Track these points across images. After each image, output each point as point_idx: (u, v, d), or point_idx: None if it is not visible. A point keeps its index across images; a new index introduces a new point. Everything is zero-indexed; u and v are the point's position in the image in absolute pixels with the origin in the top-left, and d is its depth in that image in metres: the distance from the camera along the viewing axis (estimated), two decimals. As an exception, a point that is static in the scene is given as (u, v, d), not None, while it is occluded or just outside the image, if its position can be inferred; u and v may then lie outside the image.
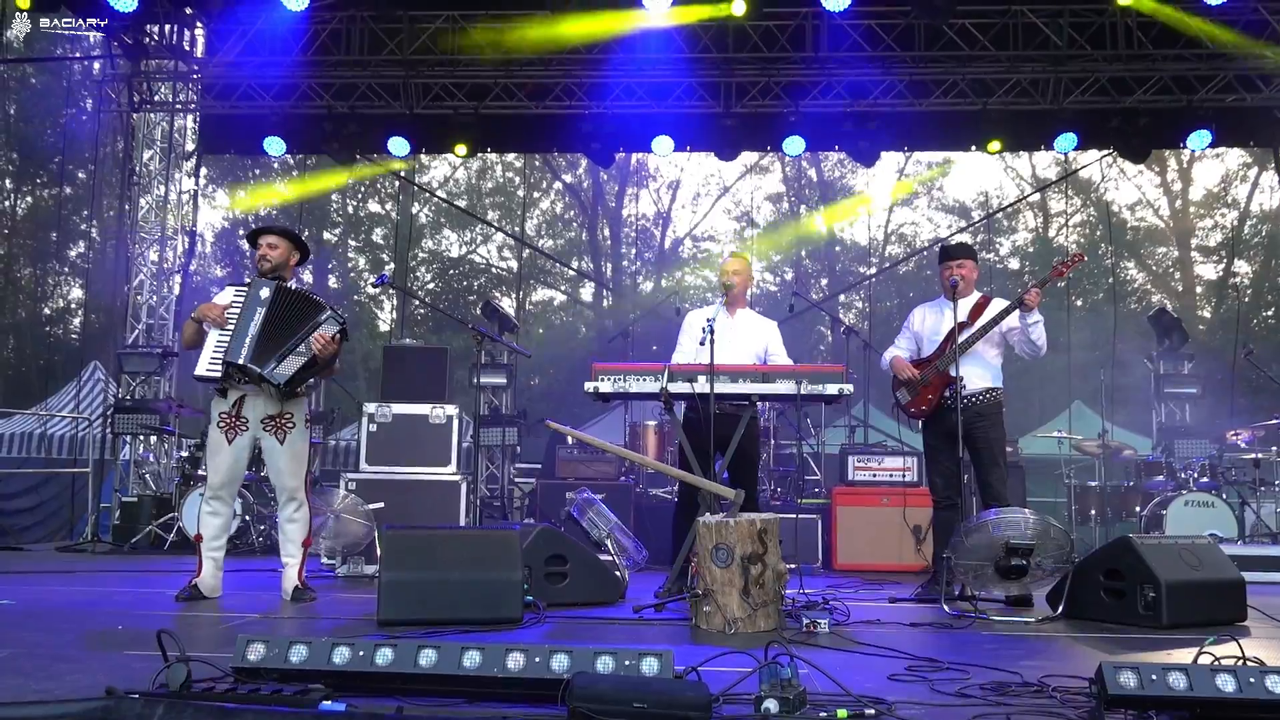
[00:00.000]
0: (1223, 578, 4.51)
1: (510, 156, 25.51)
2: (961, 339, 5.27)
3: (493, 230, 27.73)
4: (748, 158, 22.68)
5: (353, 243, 29.09)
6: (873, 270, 25.48)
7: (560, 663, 2.56)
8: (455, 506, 6.64)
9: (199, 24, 9.91)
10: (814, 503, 7.89)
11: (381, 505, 6.32)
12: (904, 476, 7.52)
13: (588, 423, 14.43)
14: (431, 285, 28.49)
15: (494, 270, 29.35)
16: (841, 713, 2.44)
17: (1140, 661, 2.51)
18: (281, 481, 4.97)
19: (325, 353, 4.83)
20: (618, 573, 5.23)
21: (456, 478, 6.69)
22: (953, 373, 5.20)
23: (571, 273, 28.63)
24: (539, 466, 9.85)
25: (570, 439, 7.89)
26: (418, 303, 24.86)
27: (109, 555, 7.70)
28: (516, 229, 27.54)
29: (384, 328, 27.71)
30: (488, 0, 9.23)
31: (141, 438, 9.47)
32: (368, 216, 28.86)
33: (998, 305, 5.44)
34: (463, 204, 26.93)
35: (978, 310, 5.42)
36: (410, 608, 4.01)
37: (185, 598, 4.74)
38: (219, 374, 4.74)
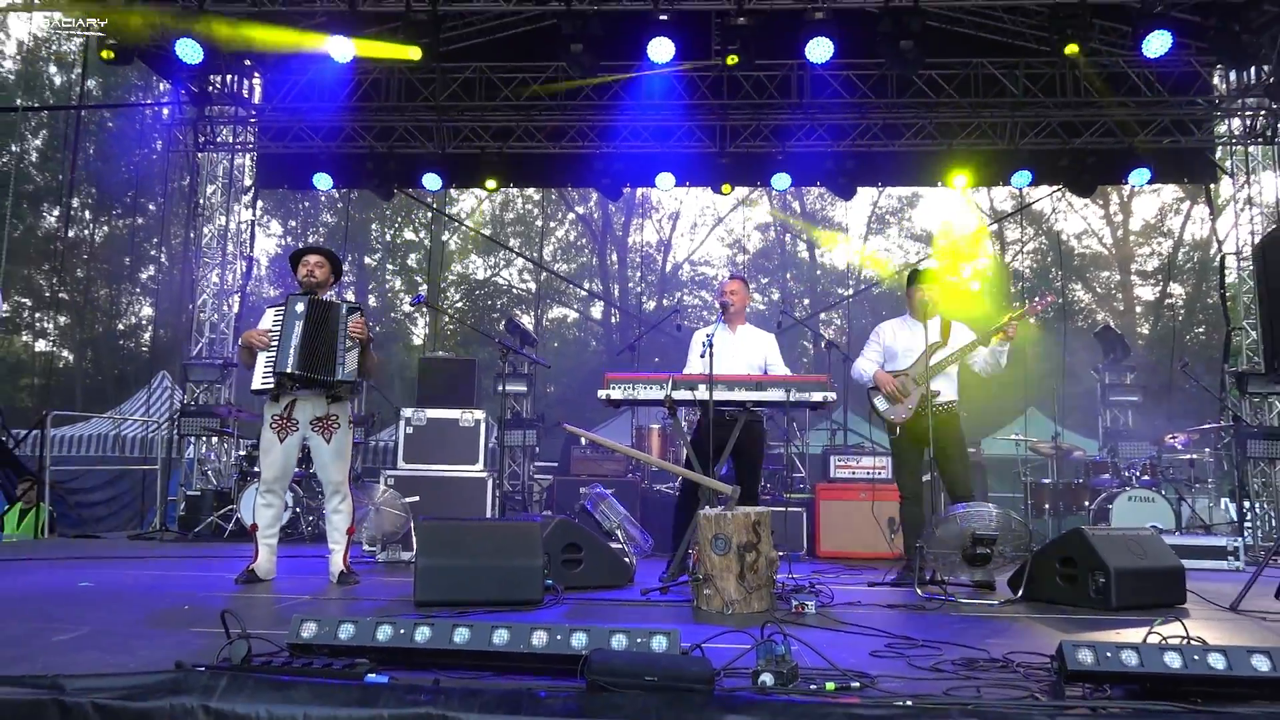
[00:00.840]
0: (1165, 565, 4.47)
1: (530, 190, 25.56)
2: (937, 359, 5.27)
3: (514, 255, 27.86)
4: (740, 192, 22.67)
5: (390, 266, 29.18)
6: (850, 291, 25.49)
7: (579, 640, 2.54)
8: (482, 500, 6.62)
9: (256, 74, 9.97)
10: (800, 497, 7.84)
11: (417, 499, 6.30)
12: (878, 474, 7.50)
13: (599, 426, 14.38)
14: (460, 304, 28.52)
15: (515, 291, 29.41)
16: (830, 685, 2.42)
17: (1096, 640, 2.48)
18: (328, 476, 4.96)
19: (364, 334, 4.90)
20: (627, 559, 5.20)
21: (483, 475, 6.67)
22: (927, 386, 5.20)
23: (583, 293, 28.70)
24: (556, 465, 9.81)
25: (584, 440, 7.87)
26: (448, 319, 24.91)
27: (175, 543, 7.68)
28: (535, 254, 27.59)
29: (418, 341, 27.79)
30: (510, 54, 9.30)
31: (204, 438, 9.46)
32: (403, 243, 28.97)
33: (959, 328, 5.45)
34: (488, 232, 27.02)
35: (944, 330, 5.42)
36: (444, 590, 3.98)
37: (243, 581, 4.73)
38: (272, 385, 4.77)
